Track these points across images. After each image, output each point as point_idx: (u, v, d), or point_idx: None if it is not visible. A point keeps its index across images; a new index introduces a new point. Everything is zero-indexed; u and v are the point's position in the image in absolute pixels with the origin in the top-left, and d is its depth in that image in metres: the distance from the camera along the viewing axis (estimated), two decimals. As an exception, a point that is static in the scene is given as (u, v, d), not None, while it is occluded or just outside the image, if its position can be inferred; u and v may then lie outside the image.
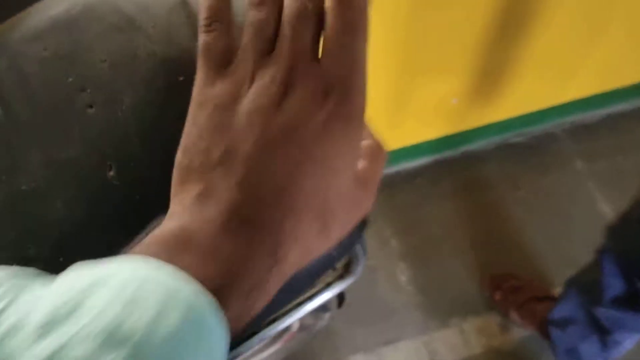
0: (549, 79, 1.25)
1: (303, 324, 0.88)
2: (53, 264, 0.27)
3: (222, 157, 0.24)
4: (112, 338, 0.18)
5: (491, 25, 1.06)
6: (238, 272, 0.22)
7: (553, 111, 1.37)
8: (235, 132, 0.24)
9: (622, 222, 0.94)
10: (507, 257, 1.30)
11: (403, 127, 1.22)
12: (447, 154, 1.35)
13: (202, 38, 0.26)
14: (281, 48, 0.24)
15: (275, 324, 0.44)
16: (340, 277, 0.49)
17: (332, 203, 0.25)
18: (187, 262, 0.21)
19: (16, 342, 0.19)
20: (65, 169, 0.30)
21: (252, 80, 0.24)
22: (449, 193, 1.34)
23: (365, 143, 0.28)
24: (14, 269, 0.23)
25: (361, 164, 0.27)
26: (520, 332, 1.23)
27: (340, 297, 0.74)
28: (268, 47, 0.25)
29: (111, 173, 0.29)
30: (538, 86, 1.25)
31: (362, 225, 0.33)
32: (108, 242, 0.30)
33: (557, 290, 1.20)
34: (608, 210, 1.34)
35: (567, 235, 1.30)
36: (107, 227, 0.30)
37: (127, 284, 0.19)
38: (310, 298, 0.48)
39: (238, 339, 0.37)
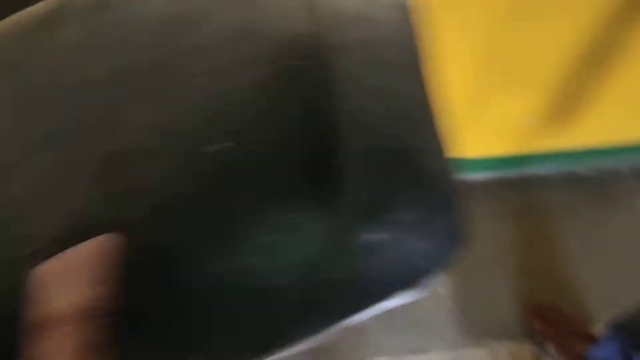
0: (630, 115, 1.20)
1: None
2: (149, 226, 0.28)
3: None
4: None
5: (583, 49, 1.02)
6: None
7: (625, 148, 1.33)
8: None
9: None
10: (553, 287, 1.26)
11: (474, 138, 1.19)
12: (510, 173, 1.32)
13: None
14: None
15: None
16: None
17: None
18: None
19: None
20: (172, 134, 0.29)
21: None
22: (505, 213, 1.31)
23: None
24: None
25: None
26: (553, 365, 1.19)
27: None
28: None
29: (218, 146, 0.29)
30: (617, 121, 1.21)
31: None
32: (201, 219, 0.29)
33: (598, 328, 1.16)
34: (665, 257, 1.29)
35: (617, 275, 1.26)
36: (204, 200, 0.29)
37: None
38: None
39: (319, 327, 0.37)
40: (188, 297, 0.29)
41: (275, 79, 0.29)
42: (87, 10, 0.31)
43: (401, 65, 0.31)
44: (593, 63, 1.06)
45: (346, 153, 0.29)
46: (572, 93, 1.12)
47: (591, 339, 1.13)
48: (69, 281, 0.28)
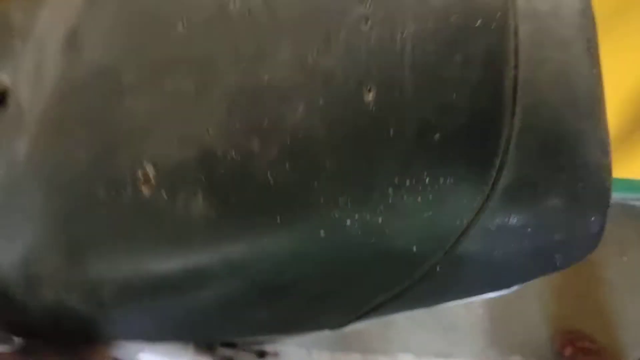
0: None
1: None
2: (277, 167, 0.27)
3: None
4: None
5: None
6: None
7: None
8: None
9: None
10: (588, 317, 1.24)
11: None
12: None
13: None
14: None
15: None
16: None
17: None
18: None
19: None
20: (317, 76, 0.27)
21: None
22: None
23: None
24: None
25: None
26: (577, 393, 1.18)
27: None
28: None
29: (369, 97, 0.27)
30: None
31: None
32: (335, 168, 0.28)
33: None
34: None
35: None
36: (345, 150, 0.28)
37: None
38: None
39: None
40: (307, 248, 0.29)
41: (449, 33, 0.27)
42: None
43: (578, 45, 0.29)
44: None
45: (509, 126, 0.27)
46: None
47: (620, 374, 1.12)
48: None
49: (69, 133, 0.30)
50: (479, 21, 0.27)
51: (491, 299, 1.25)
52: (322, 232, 0.28)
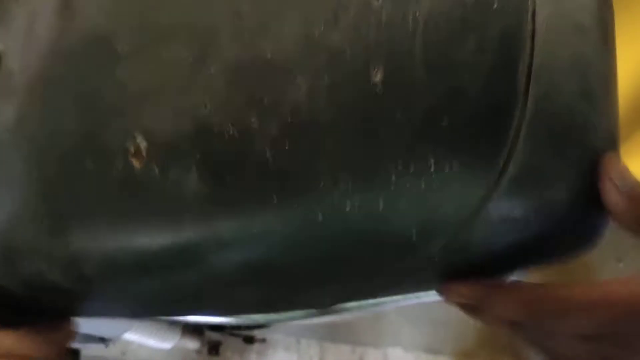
0: None
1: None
2: (277, 145, 0.26)
3: None
4: None
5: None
6: None
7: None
8: None
9: None
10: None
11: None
12: None
13: None
14: None
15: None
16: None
17: None
18: None
19: None
20: (323, 53, 0.27)
21: None
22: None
23: None
24: None
25: None
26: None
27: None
28: None
29: (377, 78, 0.26)
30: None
31: None
32: (335, 148, 0.27)
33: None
34: None
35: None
36: (349, 131, 0.27)
37: None
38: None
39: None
40: (303, 231, 0.28)
41: (464, 14, 0.26)
42: None
43: (595, 33, 0.29)
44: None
45: (520, 115, 0.26)
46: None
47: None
48: None
49: (59, 101, 0.29)
50: (496, 3, 0.26)
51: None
52: (319, 216, 0.27)
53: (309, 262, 0.29)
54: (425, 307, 1.26)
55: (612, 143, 0.29)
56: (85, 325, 0.76)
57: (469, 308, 0.32)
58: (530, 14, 0.26)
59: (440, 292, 0.33)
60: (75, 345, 0.83)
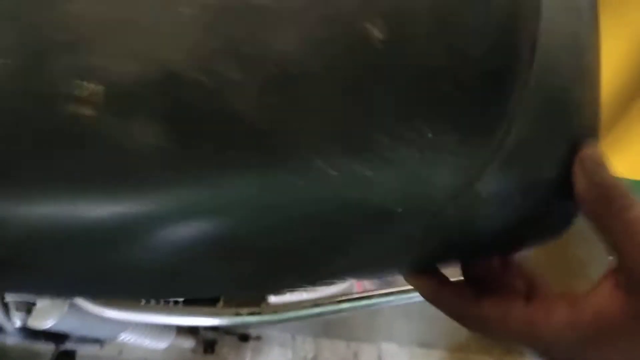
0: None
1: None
2: (259, 100, 0.23)
3: None
4: None
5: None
6: None
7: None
8: None
9: None
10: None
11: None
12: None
13: None
14: None
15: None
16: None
17: None
18: None
19: None
20: (318, 3, 0.24)
21: None
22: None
23: None
24: None
25: None
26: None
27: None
28: None
29: (375, 33, 0.24)
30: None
31: None
32: (322, 106, 0.24)
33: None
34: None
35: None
36: (339, 90, 0.24)
37: None
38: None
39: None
40: (280, 197, 0.25)
41: None
42: None
43: (588, 14, 0.28)
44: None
45: (522, 87, 0.25)
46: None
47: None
48: None
49: None
50: None
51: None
52: (300, 181, 0.24)
53: (285, 234, 0.27)
54: (419, 302, 1.25)
55: (594, 131, 0.29)
56: (81, 327, 0.76)
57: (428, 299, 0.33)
58: None
59: (405, 279, 0.33)
60: (70, 346, 0.83)
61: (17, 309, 0.73)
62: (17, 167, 0.24)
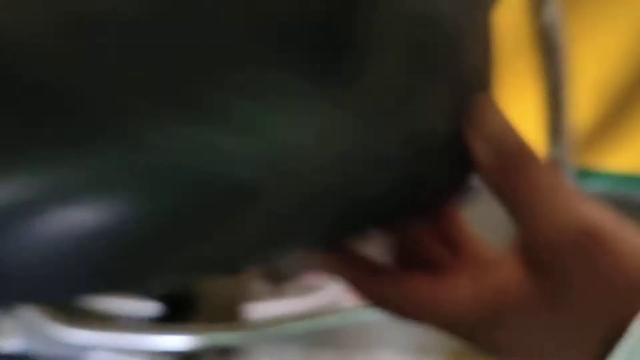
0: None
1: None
2: (55, 59, 0.18)
3: None
4: None
5: None
6: None
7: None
8: None
9: None
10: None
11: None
12: None
13: None
14: None
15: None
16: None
17: None
18: None
19: None
20: None
21: None
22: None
23: None
24: None
25: None
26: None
27: None
28: None
29: None
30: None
31: None
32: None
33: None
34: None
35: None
36: (168, 35, 0.19)
37: None
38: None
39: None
40: (115, 182, 0.20)
41: None
42: None
43: None
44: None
45: (370, 12, 0.21)
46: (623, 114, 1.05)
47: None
48: None
49: None
50: None
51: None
52: (139, 159, 0.20)
53: (128, 222, 0.21)
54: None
55: (483, 83, 0.26)
56: (43, 348, 0.71)
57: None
58: None
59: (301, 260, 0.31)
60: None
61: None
62: None
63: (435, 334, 1.06)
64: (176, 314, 0.67)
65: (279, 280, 0.83)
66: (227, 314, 0.62)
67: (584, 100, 1.04)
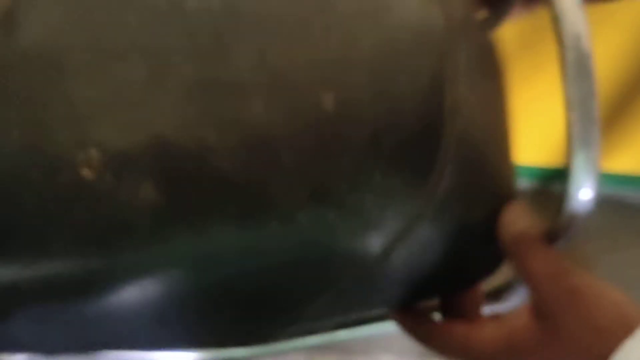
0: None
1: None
2: (234, 159, 0.27)
3: None
4: None
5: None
6: None
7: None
8: None
9: None
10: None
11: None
12: (555, 187, 1.25)
13: None
14: None
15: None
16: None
17: None
18: None
19: None
20: (277, 77, 0.28)
21: None
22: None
23: None
24: None
25: None
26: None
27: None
28: None
29: (328, 100, 0.28)
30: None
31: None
32: (296, 164, 0.28)
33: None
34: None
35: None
36: (303, 148, 0.28)
37: None
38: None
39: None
40: (256, 241, 0.29)
41: (404, 48, 0.30)
42: None
43: (497, 82, 0.36)
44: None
45: (448, 140, 0.30)
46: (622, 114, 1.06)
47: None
48: None
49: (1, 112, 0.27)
50: (425, 47, 0.30)
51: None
52: (274, 226, 0.28)
53: (258, 276, 0.30)
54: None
55: (512, 191, 0.36)
56: None
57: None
58: (456, 56, 0.31)
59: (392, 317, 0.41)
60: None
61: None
62: (18, 229, 0.27)
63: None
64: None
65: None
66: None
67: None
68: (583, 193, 0.33)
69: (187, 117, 0.27)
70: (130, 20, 0.28)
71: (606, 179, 1.18)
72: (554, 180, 1.24)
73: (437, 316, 0.41)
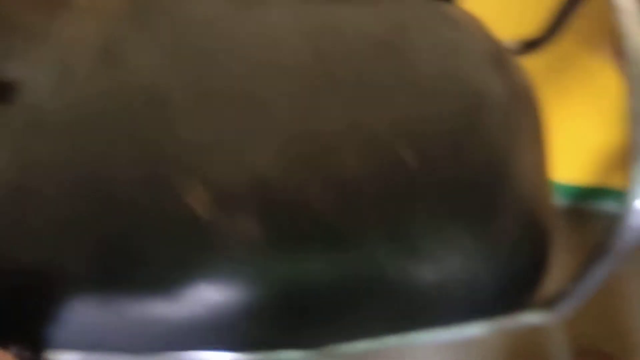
0: None
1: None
2: (330, 207, 0.30)
3: None
4: None
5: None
6: None
7: None
8: None
9: None
10: (609, 336, 1.21)
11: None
12: (586, 205, 1.27)
13: None
14: None
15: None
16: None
17: None
18: None
19: None
20: (366, 133, 0.32)
21: None
22: (570, 245, 1.25)
23: None
24: None
25: None
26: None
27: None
28: None
29: (408, 157, 0.32)
30: None
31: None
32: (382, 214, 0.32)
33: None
34: None
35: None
36: (385, 196, 0.32)
37: None
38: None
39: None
40: (340, 276, 0.33)
41: (470, 111, 0.34)
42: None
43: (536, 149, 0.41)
44: None
45: (507, 194, 0.34)
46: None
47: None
48: None
49: (113, 144, 0.30)
50: (491, 110, 0.36)
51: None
52: (360, 265, 0.32)
53: (335, 301, 0.33)
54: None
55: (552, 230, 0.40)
56: None
57: None
58: (513, 123, 0.36)
59: None
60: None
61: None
62: (147, 255, 0.30)
63: (466, 355, 1.06)
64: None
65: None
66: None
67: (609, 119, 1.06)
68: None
69: (288, 163, 0.31)
70: (233, 68, 0.32)
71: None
72: (588, 199, 1.25)
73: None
